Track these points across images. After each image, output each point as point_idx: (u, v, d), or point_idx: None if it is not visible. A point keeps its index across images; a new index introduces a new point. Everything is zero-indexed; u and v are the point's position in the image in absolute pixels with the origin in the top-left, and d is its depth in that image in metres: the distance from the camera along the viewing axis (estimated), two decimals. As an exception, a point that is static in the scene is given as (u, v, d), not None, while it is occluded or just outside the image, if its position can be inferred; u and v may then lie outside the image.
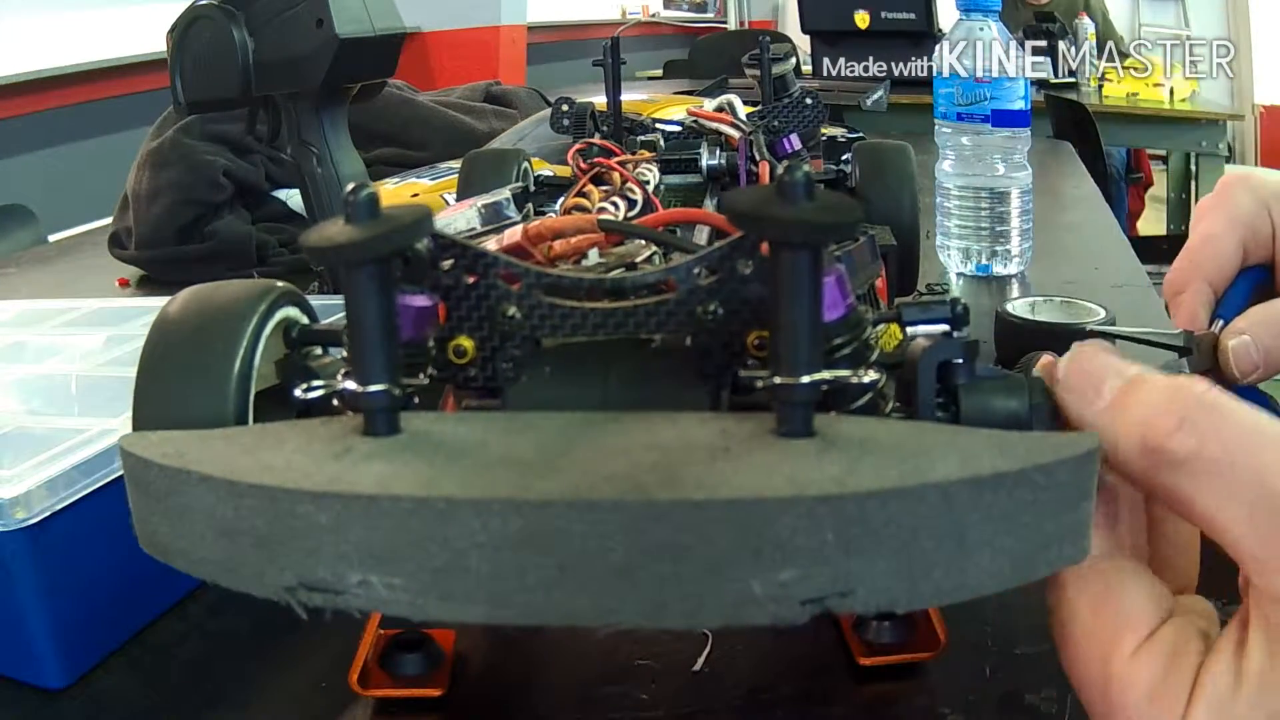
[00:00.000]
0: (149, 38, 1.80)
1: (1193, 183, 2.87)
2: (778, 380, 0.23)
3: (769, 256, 0.23)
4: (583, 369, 0.28)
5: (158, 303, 0.62)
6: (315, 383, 0.27)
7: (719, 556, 0.20)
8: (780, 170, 0.25)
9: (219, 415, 0.27)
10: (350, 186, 0.23)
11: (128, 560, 0.38)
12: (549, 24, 4.06)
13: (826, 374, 0.23)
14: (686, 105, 0.67)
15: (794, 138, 0.59)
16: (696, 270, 0.27)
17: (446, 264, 0.27)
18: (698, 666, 0.36)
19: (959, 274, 0.84)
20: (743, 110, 0.61)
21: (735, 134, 0.57)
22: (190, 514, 0.22)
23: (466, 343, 0.28)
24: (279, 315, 0.30)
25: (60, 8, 2.46)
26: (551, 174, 0.56)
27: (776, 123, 0.61)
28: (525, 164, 0.55)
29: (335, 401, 0.27)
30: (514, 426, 0.25)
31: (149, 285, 0.94)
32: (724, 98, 0.61)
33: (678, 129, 0.60)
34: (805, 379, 0.22)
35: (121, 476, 0.38)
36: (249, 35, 0.65)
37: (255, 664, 0.38)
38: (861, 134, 0.80)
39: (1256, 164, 3.75)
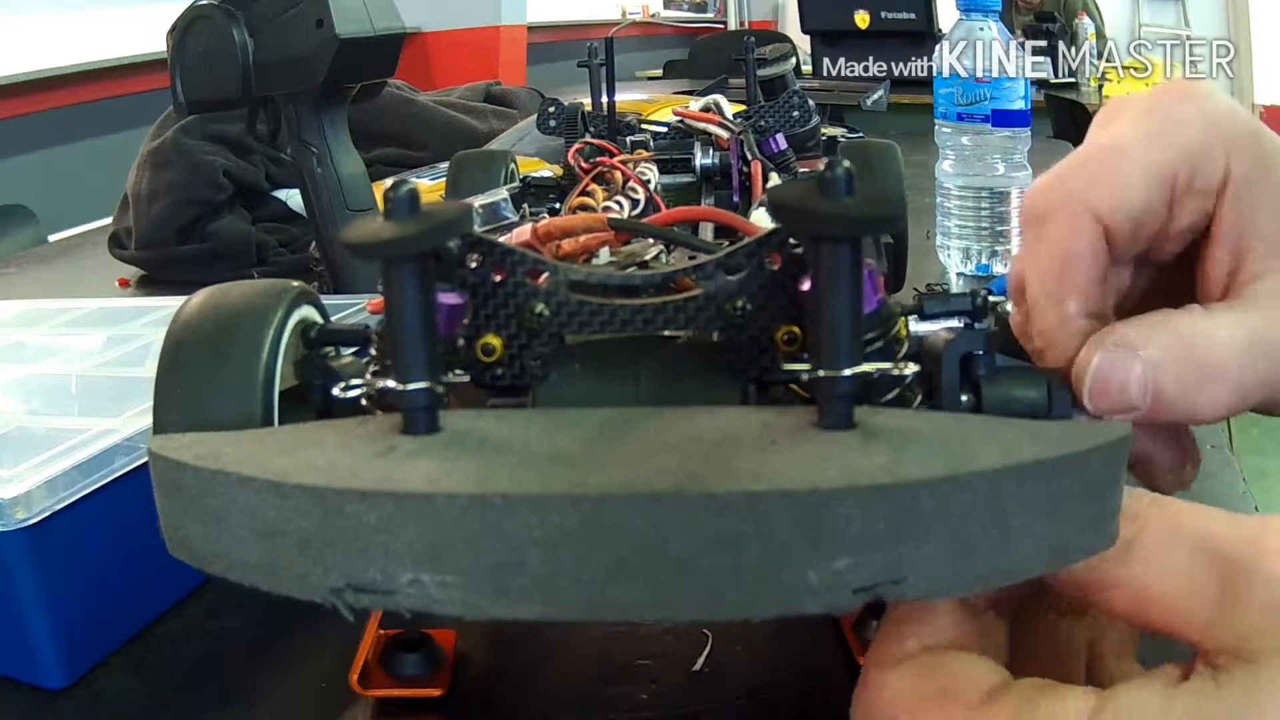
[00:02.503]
0: (149, 38, 1.80)
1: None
2: (821, 373, 0.23)
3: (809, 251, 0.23)
4: (612, 366, 0.28)
5: (158, 303, 0.62)
6: (354, 381, 0.27)
7: (777, 546, 0.20)
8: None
9: (245, 416, 0.27)
10: (390, 183, 0.23)
11: (128, 560, 0.39)
12: (549, 24, 4.06)
13: (868, 366, 0.23)
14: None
15: (779, 137, 0.59)
16: (724, 266, 0.27)
17: (473, 261, 0.27)
18: (698, 666, 0.36)
19: (959, 274, 0.84)
20: (729, 110, 0.61)
21: (724, 134, 0.57)
22: (228, 517, 0.22)
23: (494, 340, 0.27)
24: (297, 315, 0.30)
25: (60, 8, 2.46)
26: (550, 174, 0.56)
27: (764, 122, 0.61)
28: (511, 165, 0.56)
29: (363, 401, 0.26)
30: (555, 423, 0.24)
31: (149, 285, 0.94)
32: (710, 98, 0.62)
33: (664, 129, 0.61)
34: (847, 371, 0.22)
35: (122, 476, 0.38)
36: (249, 35, 0.65)
37: (255, 664, 0.38)
38: (861, 134, 0.80)
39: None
